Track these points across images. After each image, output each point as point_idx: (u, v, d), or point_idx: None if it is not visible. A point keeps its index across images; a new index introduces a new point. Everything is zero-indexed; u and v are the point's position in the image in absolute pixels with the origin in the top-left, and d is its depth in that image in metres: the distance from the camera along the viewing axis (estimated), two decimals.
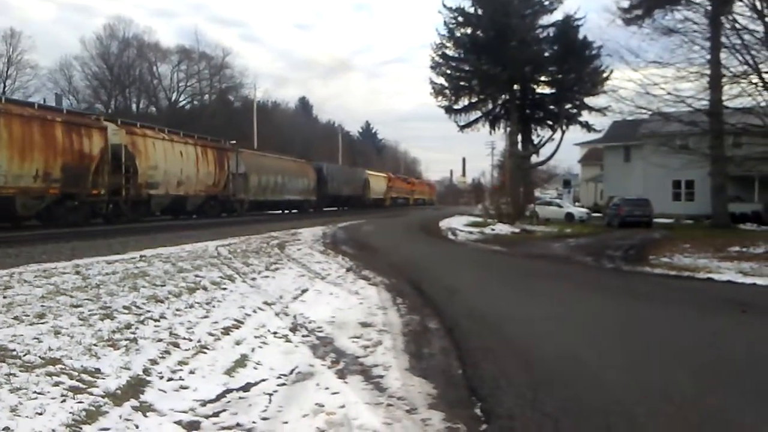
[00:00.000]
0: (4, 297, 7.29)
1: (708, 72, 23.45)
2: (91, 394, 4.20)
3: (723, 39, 22.99)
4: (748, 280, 11.55)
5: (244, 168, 37.27)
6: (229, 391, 4.61)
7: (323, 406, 4.29)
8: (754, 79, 20.37)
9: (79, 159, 23.11)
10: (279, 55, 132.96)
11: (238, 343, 5.99)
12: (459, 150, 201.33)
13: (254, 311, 7.54)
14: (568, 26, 38.47)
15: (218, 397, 4.46)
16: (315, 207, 49.36)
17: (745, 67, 20.71)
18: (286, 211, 44.92)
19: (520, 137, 40.62)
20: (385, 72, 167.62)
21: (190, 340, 5.90)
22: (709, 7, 24.47)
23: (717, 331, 7.26)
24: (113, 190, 25.52)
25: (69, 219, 22.68)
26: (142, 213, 28.01)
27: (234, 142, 38.64)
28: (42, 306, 6.82)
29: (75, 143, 22.92)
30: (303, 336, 6.46)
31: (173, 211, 31.69)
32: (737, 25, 21.13)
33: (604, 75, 36.38)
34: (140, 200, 27.65)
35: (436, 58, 40.63)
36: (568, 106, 39.67)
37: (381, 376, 5.04)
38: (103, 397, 4.18)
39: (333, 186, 53.01)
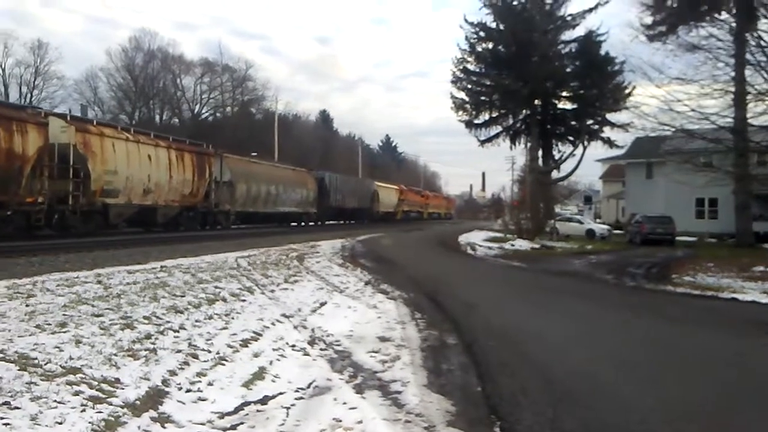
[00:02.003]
0: (27, 305, 7.37)
1: (732, 89, 23.22)
2: (110, 404, 4.22)
3: (748, 56, 22.79)
4: None
5: (229, 176, 33.56)
6: (247, 403, 4.60)
7: (341, 421, 4.26)
8: None
9: (7, 160, 19.05)
10: (299, 68, 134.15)
11: (256, 355, 5.99)
12: (479, 165, 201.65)
13: (273, 323, 7.54)
14: (590, 42, 38.31)
15: (236, 410, 4.45)
16: (316, 220, 46.06)
17: None
18: (286, 225, 41.20)
19: (540, 152, 40.41)
20: (405, 86, 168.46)
21: (209, 351, 5.91)
22: (734, 24, 24.32)
23: (741, 351, 7.14)
24: (58, 198, 21.46)
25: None
26: (97, 225, 23.77)
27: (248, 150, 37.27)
28: (64, 315, 6.89)
29: (2, 140, 18.92)
30: (321, 349, 6.44)
31: (140, 224, 27.59)
32: (762, 42, 20.98)
33: (627, 91, 36.08)
34: (94, 210, 23.36)
35: (457, 73, 40.62)
36: (590, 121, 39.41)
37: (399, 392, 5.01)
38: (122, 407, 4.19)
39: (336, 198, 49.48)
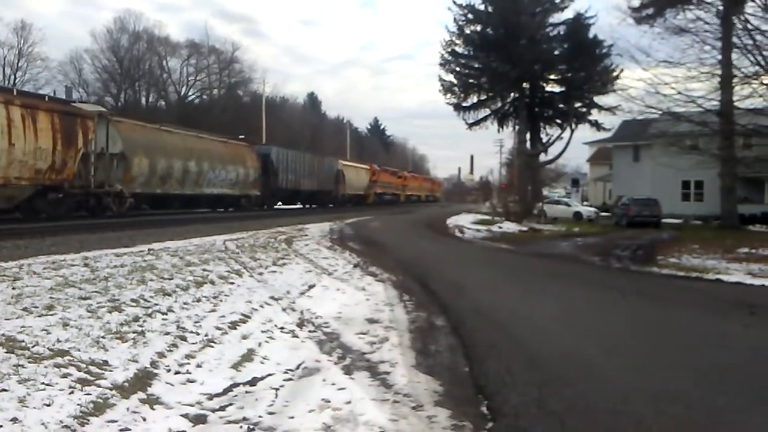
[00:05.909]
0: (14, 288, 7.32)
1: (719, 72, 23.37)
2: (98, 386, 4.21)
3: (734, 39, 22.94)
4: (757, 281, 11.48)
5: (121, 146, 25.56)
6: (235, 385, 4.61)
7: (329, 401, 4.29)
8: (766, 80, 20.34)
9: None
10: (284, 50, 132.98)
11: (245, 337, 6.00)
12: (467, 147, 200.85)
13: (261, 306, 7.55)
14: (578, 24, 38.32)
15: (225, 391, 4.46)
16: (260, 205, 38.93)
17: (757, 67, 20.72)
18: (220, 210, 34.74)
19: (528, 135, 40.49)
20: (391, 69, 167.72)
21: (198, 333, 5.91)
22: (721, 7, 24.40)
23: (725, 332, 7.23)
24: None
25: None
26: None
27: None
28: (51, 298, 6.84)
29: None
30: (310, 331, 6.46)
31: None
32: (749, 26, 21.13)
33: (614, 74, 36.26)
34: None
35: (446, 55, 40.53)
36: (578, 104, 39.53)
37: (387, 373, 5.04)
38: (110, 389, 4.19)
39: (288, 178, 42.49)
